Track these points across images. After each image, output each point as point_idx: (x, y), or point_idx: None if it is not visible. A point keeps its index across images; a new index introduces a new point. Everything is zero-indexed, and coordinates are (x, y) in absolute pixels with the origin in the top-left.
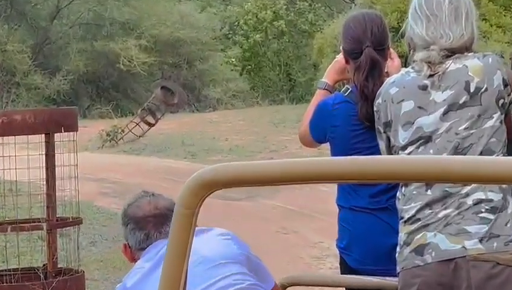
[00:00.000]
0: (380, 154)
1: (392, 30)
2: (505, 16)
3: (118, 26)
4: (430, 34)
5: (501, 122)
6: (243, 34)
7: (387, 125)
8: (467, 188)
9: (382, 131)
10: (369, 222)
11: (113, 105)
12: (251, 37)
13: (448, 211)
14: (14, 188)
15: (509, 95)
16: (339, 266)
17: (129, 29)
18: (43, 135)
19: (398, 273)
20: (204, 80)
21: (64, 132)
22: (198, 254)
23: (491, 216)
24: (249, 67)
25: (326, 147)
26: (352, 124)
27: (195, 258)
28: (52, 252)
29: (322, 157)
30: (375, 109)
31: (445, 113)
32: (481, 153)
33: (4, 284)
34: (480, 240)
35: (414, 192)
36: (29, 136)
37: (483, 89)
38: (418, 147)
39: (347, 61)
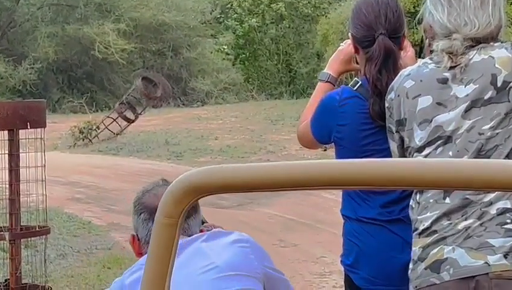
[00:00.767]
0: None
1: (407, 15)
2: None
3: (93, 8)
4: (453, 20)
5: None
6: (237, 18)
7: (401, 123)
8: (490, 196)
9: (394, 130)
10: (380, 236)
11: (87, 98)
12: (246, 21)
13: (468, 221)
14: None
15: None
16: (343, 284)
17: (106, 11)
18: (6, 132)
19: None
20: (191, 70)
21: (31, 128)
22: (209, 260)
23: None
24: (243, 56)
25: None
26: (362, 123)
27: (206, 263)
28: (15, 265)
29: (327, 159)
30: (386, 105)
31: (467, 110)
32: (508, 156)
33: None
34: (505, 255)
35: (430, 200)
36: None
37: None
38: (436, 149)
39: (356, 50)
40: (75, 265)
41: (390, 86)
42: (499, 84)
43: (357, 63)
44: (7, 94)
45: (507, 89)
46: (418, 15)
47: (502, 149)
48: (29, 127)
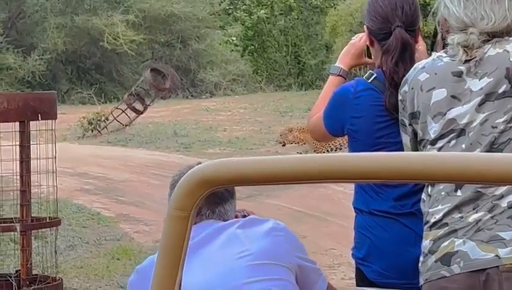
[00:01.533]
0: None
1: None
2: None
3: None
4: (469, 14)
5: None
6: (246, 10)
7: (414, 116)
8: (501, 189)
9: (407, 123)
10: (393, 229)
11: (96, 89)
12: (254, 12)
13: (479, 214)
14: None
15: None
16: (353, 276)
17: (115, 3)
18: (17, 123)
19: (421, 285)
20: (200, 62)
21: (42, 119)
22: (244, 246)
23: None
24: (252, 47)
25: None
26: (376, 115)
27: (241, 249)
28: (26, 256)
29: (339, 153)
30: (400, 97)
31: (481, 103)
32: None
33: None
34: None
35: (442, 193)
36: (1, 124)
37: None
38: (449, 141)
39: (371, 43)
40: (84, 256)
41: (404, 78)
42: None
43: (370, 56)
44: (16, 85)
45: None
46: (434, 8)
47: None
48: (40, 119)
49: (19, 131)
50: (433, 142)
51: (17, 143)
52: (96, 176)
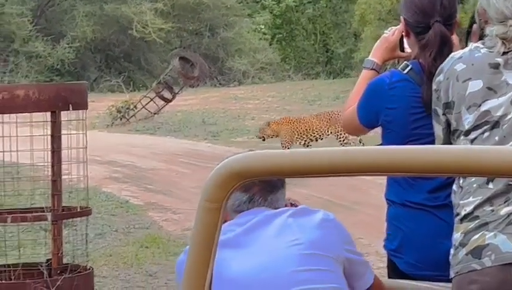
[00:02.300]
0: None
1: None
2: None
3: None
4: (510, 6)
5: None
6: None
7: (448, 106)
8: None
9: (441, 113)
10: (426, 221)
11: (125, 77)
12: (283, 1)
13: (511, 207)
14: (14, 172)
15: None
16: (381, 266)
17: None
18: (49, 113)
19: (452, 278)
20: (228, 50)
21: (73, 110)
22: (295, 235)
23: None
24: (280, 35)
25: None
26: (412, 107)
27: (292, 238)
28: (57, 246)
29: (373, 146)
30: (434, 87)
31: None
32: None
33: (2, 281)
34: None
35: (474, 185)
36: (33, 113)
37: None
38: (482, 133)
39: (407, 34)
40: (113, 244)
41: (439, 68)
42: None
43: (402, 50)
44: (46, 73)
45: None
46: None
47: None
48: (71, 109)
49: (50, 121)
50: (467, 133)
51: (49, 133)
52: (125, 164)
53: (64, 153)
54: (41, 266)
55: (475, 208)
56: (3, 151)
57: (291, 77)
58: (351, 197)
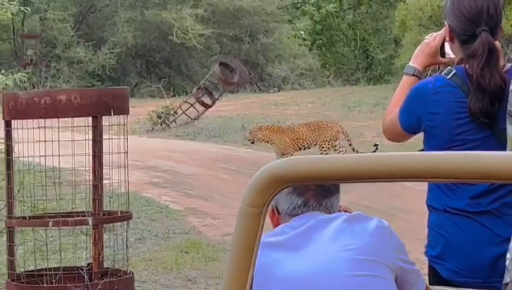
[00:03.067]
0: (488, 145)
1: None
2: None
3: None
4: None
5: None
6: (314, 4)
7: None
8: None
9: None
10: (468, 228)
11: (165, 83)
12: (323, 6)
13: None
14: (56, 176)
15: None
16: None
17: None
18: (90, 118)
19: (506, 283)
20: (268, 56)
21: (114, 115)
22: (349, 240)
23: None
24: (320, 41)
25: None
26: (456, 112)
27: (346, 243)
28: (98, 250)
29: (415, 152)
30: (511, 88)
31: None
32: None
33: (44, 285)
34: None
35: None
36: (75, 118)
37: None
38: None
39: (452, 39)
40: (153, 249)
41: None
42: None
43: (442, 56)
44: (87, 78)
45: None
46: None
47: None
48: (112, 114)
49: (92, 126)
50: None
51: (90, 138)
52: (164, 170)
53: (105, 157)
54: (82, 270)
55: None
56: (46, 156)
57: (331, 83)
58: (391, 203)
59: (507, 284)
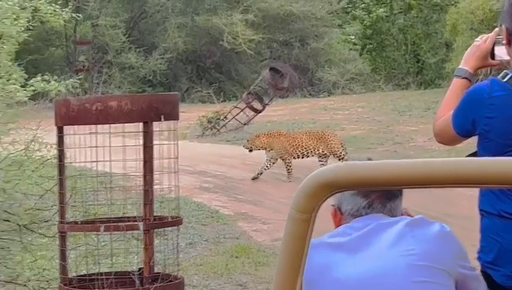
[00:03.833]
0: None
1: None
2: None
3: None
4: None
5: None
6: (364, 8)
7: None
8: None
9: None
10: None
11: (215, 88)
12: (373, 11)
13: None
14: (107, 182)
15: None
16: None
17: (234, 2)
18: (141, 124)
19: None
20: (318, 61)
21: (165, 120)
22: (410, 245)
23: None
24: (371, 46)
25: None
26: None
27: (407, 248)
28: (148, 255)
29: (467, 158)
30: None
31: None
32: None
33: (96, 289)
34: None
35: None
36: (125, 124)
37: None
38: None
39: (509, 43)
40: (203, 254)
41: None
42: None
43: (492, 58)
44: (138, 84)
45: None
46: None
47: None
48: (163, 120)
49: (143, 132)
50: None
51: (141, 143)
52: (215, 174)
53: (155, 162)
54: (133, 275)
55: None
56: (97, 161)
57: (381, 88)
58: (441, 208)
59: None
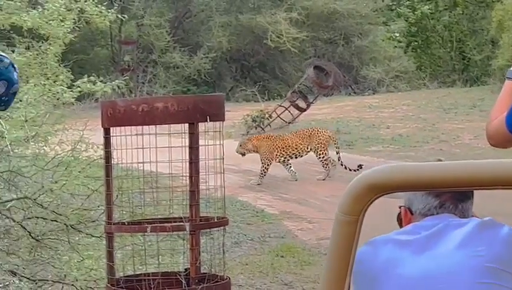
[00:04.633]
0: None
1: None
2: None
3: None
4: None
5: None
6: (409, 5)
7: None
8: None
9: None
10: None
11: (260, 87)
12: (418, 8)
13: None
14: (153, 182)
15: None
16: None
17: (278, 1)
18: (187, 125)
19: None
20: (363, 59)
21: (210, 121)
22: (479, 246)
23: None
24: (415, 43)
25: None
26: None
27: (475, 249)
28: (195, 255)
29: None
30: None
31: None
32: None
33: None
34: None
35: None
36: (171, 125)
37: None
38: None
39: None
40: (249, 253)
41: None
42: None
43: None
44: (182, 83)
45: None
46: None
47: None
48: (208, 121)
49: (188, 133)
50: None
51: (186, 144)
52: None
53: (201, 162)
54: (180, 275)
55: None
56: (144, 162)
57: (426, 85)
58: (491, 208)
59: None
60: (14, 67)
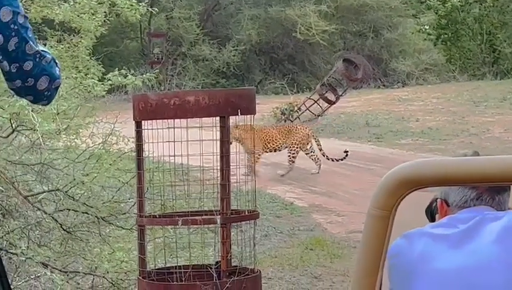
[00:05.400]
0: None
1: None
2: None
3: None
4: None
5: None
6: None
7: None
8: None
9: None
10: None
11: (289, 79)
12: (448, 0)
13: None
14: (184, 174)
15: None
16: None
17: None
18: (217, 118)
19: None
20: (392, 51)
21: (241, 114)
22: None
23: None
24: (445, 36)
25: None
26: None
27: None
28: (226, 249)
29: None
30: None
31: None
32: None
33: (174, 282)
34: None
35: None
36: (202, 118)
37: None
38: None
39: None
40: (278, 246)
41: None
42: None
43: None
44: (211, 76)
45: None
46: None
47: None
48: (239, 114)
49: (219, 126)
50: None
51: (217, 137)
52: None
53: (232, 155)
54: (211, 268)
55: None
56: (175, 156)
57: (456, 78)
58: None
59: None
60: (56, 63)
